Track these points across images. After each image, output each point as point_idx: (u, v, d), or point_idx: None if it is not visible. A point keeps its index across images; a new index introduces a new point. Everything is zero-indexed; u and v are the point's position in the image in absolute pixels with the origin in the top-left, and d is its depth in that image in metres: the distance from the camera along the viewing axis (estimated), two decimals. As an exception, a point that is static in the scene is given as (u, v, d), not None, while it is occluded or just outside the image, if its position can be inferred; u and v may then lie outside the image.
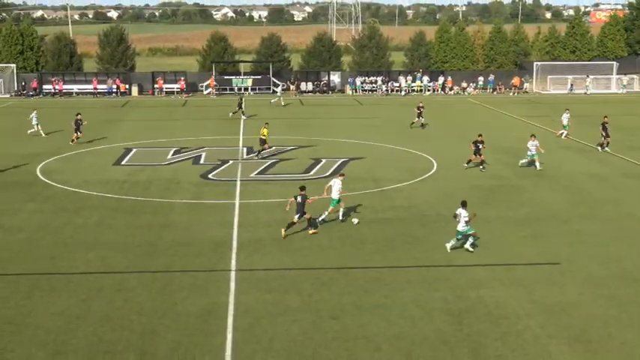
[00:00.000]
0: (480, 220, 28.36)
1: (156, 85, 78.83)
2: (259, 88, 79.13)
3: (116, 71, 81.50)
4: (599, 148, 44.08)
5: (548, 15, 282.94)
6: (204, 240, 26.66)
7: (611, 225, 28.85)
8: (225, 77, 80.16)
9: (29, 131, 49.52)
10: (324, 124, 56.22)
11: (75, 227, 28.29)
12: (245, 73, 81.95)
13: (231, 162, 40.96)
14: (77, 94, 78.14)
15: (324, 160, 41.22)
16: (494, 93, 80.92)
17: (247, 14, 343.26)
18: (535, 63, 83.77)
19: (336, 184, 28.83)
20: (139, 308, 20.35)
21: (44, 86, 78.46)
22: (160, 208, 31.22)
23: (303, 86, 79.21)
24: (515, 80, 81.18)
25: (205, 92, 78.12)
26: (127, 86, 78.72)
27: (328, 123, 56.77)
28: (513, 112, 63.08)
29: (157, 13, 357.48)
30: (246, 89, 78.56)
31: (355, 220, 28.75)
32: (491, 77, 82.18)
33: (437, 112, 61.74)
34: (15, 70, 78.68)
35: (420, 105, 53.98)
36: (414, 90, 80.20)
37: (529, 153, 38.78)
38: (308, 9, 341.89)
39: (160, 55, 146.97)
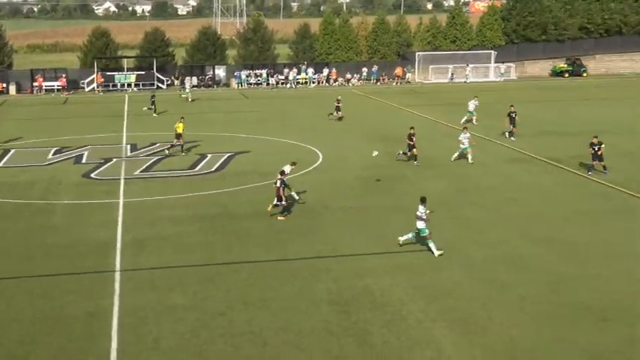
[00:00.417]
0: (364, 210, 28.86)
1: (35, 83, 76.28)
2: (143, 84, 77.78)
3: (-8, 70, 78.62)
4: (508, 135, 44.73)
5: (430, 6, 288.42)
6: (87, 241, 26.08)
7: (493, 210, 29.75)
8: (108, 73, 78.37)
9: None
10: (209, 118, 55.80)
11: (-51, 234, 27.20)
12: (129, 69, 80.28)
13: (114, 160, 40.15)
14: (-49, 94, 75.03)
15: (209, 156, 40.92)
16: (378, 84, 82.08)
17: (130, 9, 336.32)
18: (417, 53, 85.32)
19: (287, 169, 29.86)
20: (18, 316, 19.71)
21: None
22: (41, 211, 30.36)
23: (187, 81, 78.23)
24: (398, 70, 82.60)
25: (87, 89, 76.27)
26: (4, 85, 75.96)
27: (214, 117, 56.40)
28: (397, 102, 64.13)
29: (35, 9, 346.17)
30: (129, 85, 77.20)
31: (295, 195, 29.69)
32: (375, 68, 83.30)
33: (322, 104, 62.15)
34: None
35: (338, 98, 54.99)
36: (299, 82, 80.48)
37: (461, 146, 38.48)
38: (192, 2, 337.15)
39: (39, 52, 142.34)
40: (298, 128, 50.29)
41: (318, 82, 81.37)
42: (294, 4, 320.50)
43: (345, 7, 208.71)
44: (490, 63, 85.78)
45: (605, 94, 69.54)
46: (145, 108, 59.43)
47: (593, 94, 70.38)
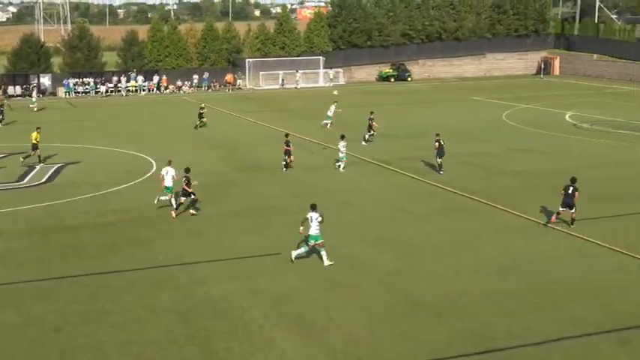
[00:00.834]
0: (202, 217, 28.84)
1: None
2: (-38, 94, 73.97)
3: None
4: (365, 140, 45.94)
5: (257, 13, 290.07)
6: None
7: (328, 214, 30.26)
8: None
9: None
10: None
11: None
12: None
13: None
14: None
15: (38, 167, 39.51)
16: (210, 90, 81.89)
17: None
18: (247, 60, 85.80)
19: (169, 172, 30.31)
20: None
21: None
22: None
23: (10, 90, 75.03)
24: (229, 77, 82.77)
25: None
26: None
27: (42, 127, 54.26)
28: (228, 109, 64.23)
29: None
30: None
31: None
32: (206, 75, 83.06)
33: (152, 112, 61.40)
34: None
35: (202, 106, 55.14)
36: (129, 90, 78.92)
37: (340, 155, 38.61)
38: (12, 9, 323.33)
39: None
40: (130, 137, 49.37)
41: (149, 90, 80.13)
42: (121, 11, 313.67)
43: (172, 13, 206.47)
44: (319, 69, 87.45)
45: (428, 98, 72.53)
46: None
47: (418, 98, 73.24)
